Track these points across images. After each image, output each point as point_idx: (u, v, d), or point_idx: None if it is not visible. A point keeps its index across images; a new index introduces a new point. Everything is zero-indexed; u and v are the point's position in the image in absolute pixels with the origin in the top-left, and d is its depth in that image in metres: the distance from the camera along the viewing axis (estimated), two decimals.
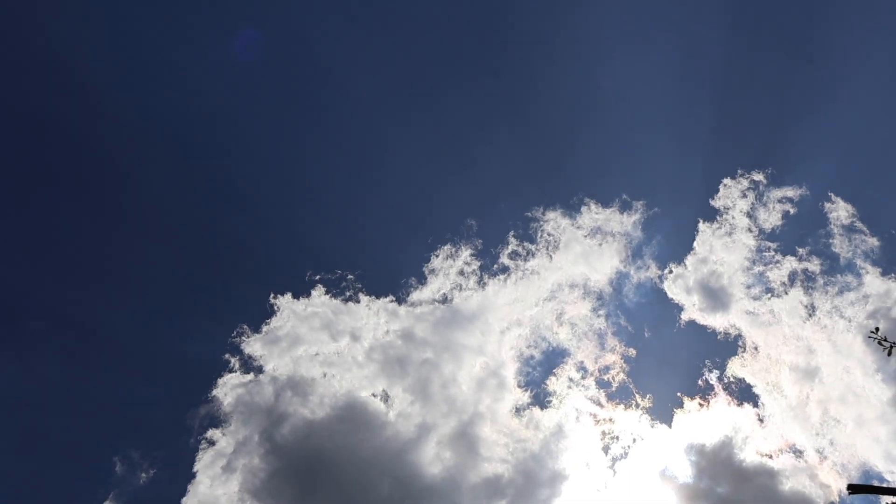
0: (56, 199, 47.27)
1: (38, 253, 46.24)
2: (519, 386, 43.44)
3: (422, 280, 44.82)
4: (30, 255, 46.10)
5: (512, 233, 45.76)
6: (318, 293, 43.45)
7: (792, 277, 43.64)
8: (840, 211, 43.90)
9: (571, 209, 45.78)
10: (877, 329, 16.86)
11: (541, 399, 43.24)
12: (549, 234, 45.45)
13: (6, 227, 45.21)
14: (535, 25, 50.87)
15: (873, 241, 43.27)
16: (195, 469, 40.30)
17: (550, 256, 45.11)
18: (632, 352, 44.59)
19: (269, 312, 42.91)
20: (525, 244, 45.45)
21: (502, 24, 51.18)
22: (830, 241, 43.85)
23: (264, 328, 42.72)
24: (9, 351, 45.25)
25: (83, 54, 46.17)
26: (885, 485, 16.99)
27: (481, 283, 44.72)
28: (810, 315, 42.90)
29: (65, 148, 47.02)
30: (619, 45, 51.25)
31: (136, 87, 48.54)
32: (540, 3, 50.71)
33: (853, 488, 16.84)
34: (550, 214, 45.84)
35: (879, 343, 16.81)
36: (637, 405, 43.17)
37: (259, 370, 42.14)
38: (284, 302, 43.07)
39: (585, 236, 45.41)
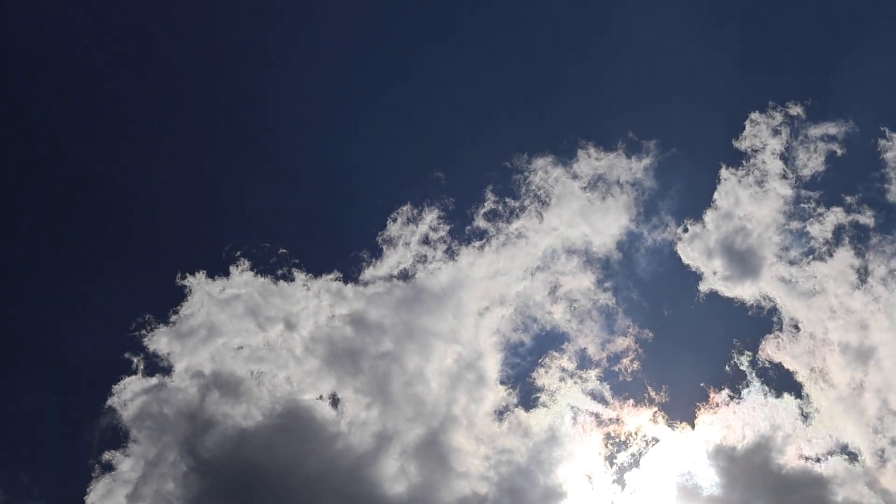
0: None
1: None
2: (502, 382, 36.61)
3: (375, 252, 37.37)
4: None
5: (490, 187, 38.12)
6: (240, 270, 36.09)
7: (838, 234, 36.87)
8: None
9: (564, 154, 38.20)
10: None
11: (530, 397, 36.55)
12: (537, 188, 37.90)
13: None
14: None
15: None
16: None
17: (540, 215, 37.72)
18: (648, 334, 37.35)
19: (178, 297, 35.77)
20: (507, 201, 37.91)
21: None
22: (886, 186, 36.79)
23: (172, 317, 35.55)
24: None
25: None
26: None
27: (452, 253, 37.49)
28: (862, 281, 36.37)
29: None
30: None
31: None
32: None
33: None
34: (538, 162, 38.07)
35: None
36: (650, 401, 36.53)
37: (167, 371, 35.18)
38: (197, 283, 35.82)
39: (584, 188, 37.88)
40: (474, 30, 41.03)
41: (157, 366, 34.97)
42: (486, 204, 37.83)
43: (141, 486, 33.34)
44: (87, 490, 33.26)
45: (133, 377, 34.67)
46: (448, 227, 37.60)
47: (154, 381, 34.68)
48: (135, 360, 34.90)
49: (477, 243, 37.40)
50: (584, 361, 37.00)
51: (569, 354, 36.91)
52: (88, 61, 38.24)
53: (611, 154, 37.97)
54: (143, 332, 35.07)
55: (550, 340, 37.38)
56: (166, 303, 35.46)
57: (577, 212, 37.57)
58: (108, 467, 33.70)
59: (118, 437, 33.88)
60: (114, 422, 33.98)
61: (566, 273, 37.61)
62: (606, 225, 37.72)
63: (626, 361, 36.88)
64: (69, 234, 37.59)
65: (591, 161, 37.86)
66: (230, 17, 39.96)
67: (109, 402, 34.16)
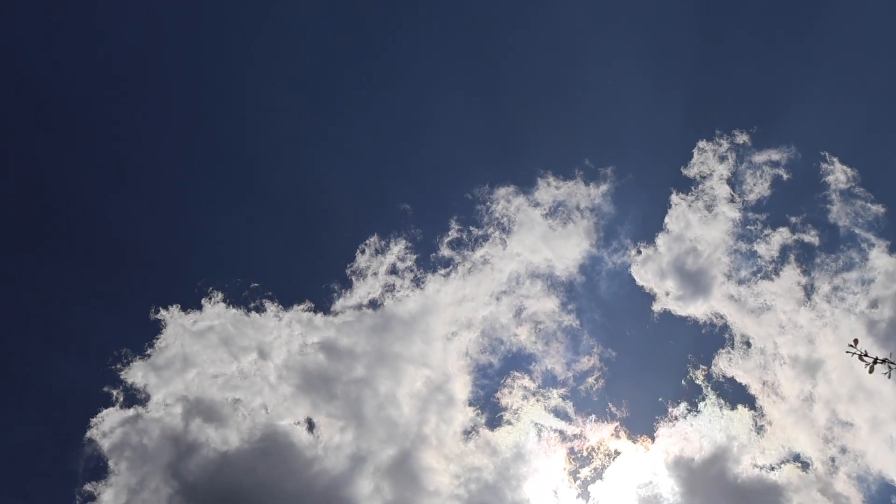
0: None
1: None
2: (471, 403, 37.12)
3: (345, 283, 37.55)
4: None
5: (454, 217, 38.78)
6: (213, 303, 36.29)
7: (784, 253, 37.83)
8: (837, 174, 37.86)
9: (524, 184, 39.06)
10: (856, 341, 14.68)
11: (497, 417, 36.98)
12: (499, 216, 38.66)
13: None
14: None
15: (878, 209, 37.16)
16: None
17: (504, 242, 38.45)
18: (612, 353, 37.98)
19: (154, 330, 35.78)
20: (471, 229, 38.61)
21: None
22: (828, 207, 37.80)
23: (148, 350, 35.60)
24: None
25: None
26: None
27: (419, 281, 37.92)
28: (808, 298, 37.31)
29: None
30: None
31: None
32: None
33: None
34: (500, 192, 38.88)
35: (860, 358, 14.68)
36: (612, 416, 37.30)
37: (144, 402, 35.27)
38: (171, 316, 35.97)
39: (545, 215, 38.65)
40: (436, 65, 42.00)
41: (134, 397, 35.02)
42: (450, 233, 38.36)
43: None
44: None
45: (111, 409, 34.66)
46: (415, 257, 37.99)
47: (132, 412, 34.76)
48: (113, 392, 34.93)
49: (443, 271, 37.85)
50: (550, 380, 37.53)
51: (534, 375, 37.51)
52: (63, 92, 38.41)
53: (569, 182, 38.86)
54: (120, 365, 35.15)
55: (517, 362, 37.83)
56: (142, 336, 35.64)
57: (540, 238, 38.23)
58: (90, 498, 33.59)
59: (99, 468, 33.76)
60: (94, 452, 33.95)
61: (531, 297, 38.17)
62: (568, 249, 38.37)
63: (591, 380, 37.57)
64: (45, 272, 37.66)
65: (550, 189, 38.67)
66: (194, 54, 40.37)
67: (89, 434, 34.03)
